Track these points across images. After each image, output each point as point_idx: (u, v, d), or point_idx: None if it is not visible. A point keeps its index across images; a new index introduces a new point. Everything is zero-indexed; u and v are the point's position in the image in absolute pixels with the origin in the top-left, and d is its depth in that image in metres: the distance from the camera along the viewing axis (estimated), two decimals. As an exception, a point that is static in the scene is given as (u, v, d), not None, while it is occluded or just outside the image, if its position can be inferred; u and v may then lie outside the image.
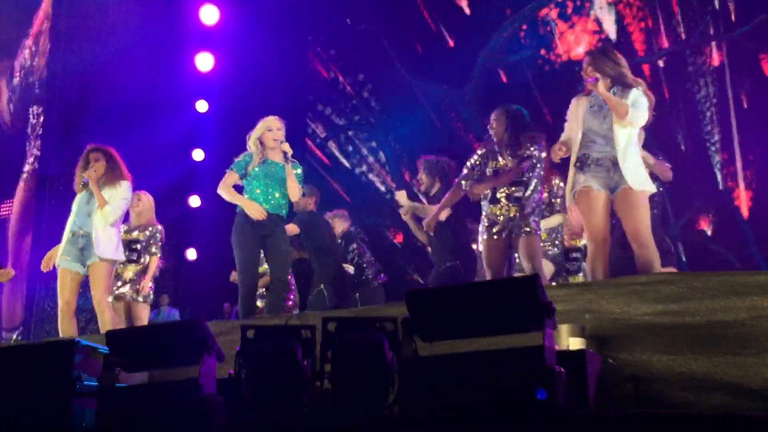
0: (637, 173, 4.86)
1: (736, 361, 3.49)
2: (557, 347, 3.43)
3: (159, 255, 7.33)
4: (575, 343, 3.48)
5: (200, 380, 3.34)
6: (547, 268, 6.02)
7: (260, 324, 3.60)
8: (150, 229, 7.33)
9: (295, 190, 5.82)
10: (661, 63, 10.03)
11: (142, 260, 7.25)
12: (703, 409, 3.41)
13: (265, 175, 5.83)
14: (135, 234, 7.30)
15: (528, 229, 5.62)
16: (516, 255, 5.86)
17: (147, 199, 7.44)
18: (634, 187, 4.79)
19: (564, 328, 3.53)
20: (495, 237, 5.69)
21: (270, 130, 5.87)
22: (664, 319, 3.71)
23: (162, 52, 10.64)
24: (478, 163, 5.81)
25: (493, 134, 5.84)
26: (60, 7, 10.68)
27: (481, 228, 5.81)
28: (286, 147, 5.83)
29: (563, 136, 5.16)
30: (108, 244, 6.08)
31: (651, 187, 4.96)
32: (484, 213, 5.80)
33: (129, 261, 7.13)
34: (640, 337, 3.66)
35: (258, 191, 5.81)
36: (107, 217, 6.06)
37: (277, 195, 5.83)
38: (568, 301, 3.89)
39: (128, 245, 7.14)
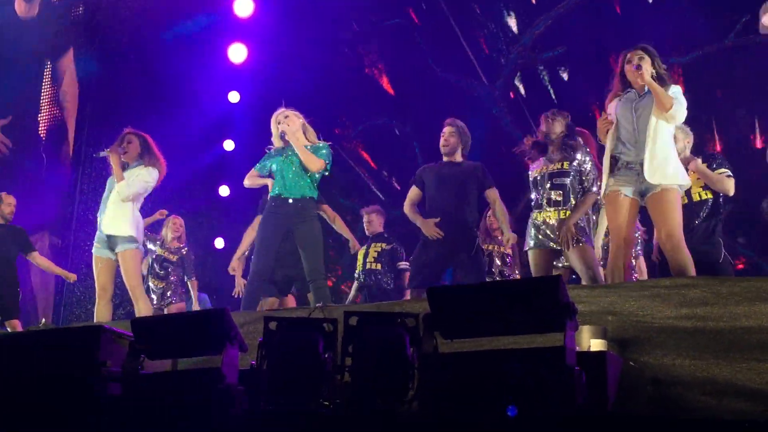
0: (666, 166, 4.79)
1: (759, 367, 3.46)
2: (578, 348, 3.43)
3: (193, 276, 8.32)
4: (596, 345, 3.46)
5: (222, 370, 3.38)
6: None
7: (283, 316, 3.62)
8: (183, 251, 8.21)
9: (311, 161, 5.83)
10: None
11: (170, 278, 8.03)
12: (724, 414, 3.38)
13: (282, 164, 5.90)
14: (167, 254, 8.14)
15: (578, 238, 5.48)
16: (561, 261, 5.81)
17: (182, 224, 8.28)
18: (663, 181, 4.75)
19: (586, 330, 3.51)
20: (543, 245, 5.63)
21: (279, 123, 5.96)
22: (687, 323, 3.69)
23: (195, 42, 10.70)
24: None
25: (546, 132, 5.76)
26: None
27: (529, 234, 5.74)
28: (283, 127, 5.90)
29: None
30: (119, 220, 6.08)
31: (684, 180, 4.88)
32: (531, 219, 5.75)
33: (157, 276, 8.01)
34: (663, 341, 3.64)
35: (281, 180, 5.87)
36: (120, 191, 6.09)
37: (298, 179, 5.87)
38: (590, 302, 3.88)
39: (161, 262, 8.03)
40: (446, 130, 6.29)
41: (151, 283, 8.10)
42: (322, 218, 6.59)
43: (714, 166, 5.88)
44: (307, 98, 9.92)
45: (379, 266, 7.48)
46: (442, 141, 6.26)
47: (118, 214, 6.10)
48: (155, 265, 8.14)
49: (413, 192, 6.28)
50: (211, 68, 10.91)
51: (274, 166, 5.95)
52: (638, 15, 10.28)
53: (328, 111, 10.50)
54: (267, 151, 6.10)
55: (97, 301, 6.19)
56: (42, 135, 10.80)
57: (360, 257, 7.64)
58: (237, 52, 11.04)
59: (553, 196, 5.58)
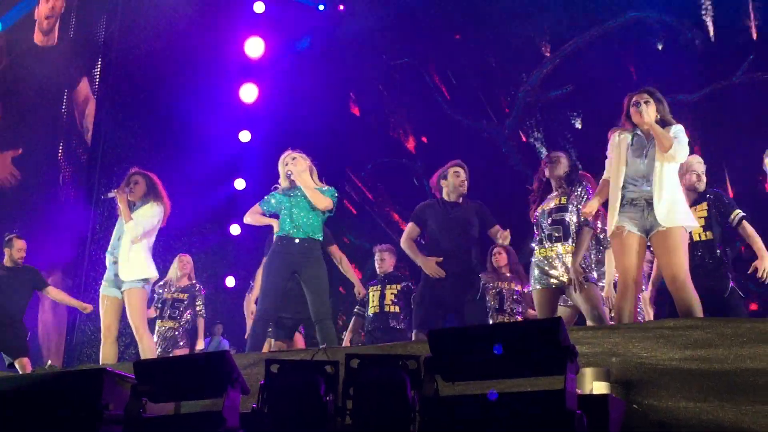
0: (674, 209, 4.77)
1: (764, 410, 3.42)
2: (581, 391, 3.41)
3: (203, 314, 8.23)
4: (599, 387, 3.44)
5: (224, 413, 3.38)
6: (565, 314, 5.94)
7: (285, 358, 3.63)
8: (194, 288, 8.18)
9: (318, 200, 5.90)
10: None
11: (181, 319, 7.99)
12: (730, 458, 3.35)
13: (289, 202, 5.94)
14: (178, 294, 8.09)
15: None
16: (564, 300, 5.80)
17: (190, 261, 8.25)
18: (671, 224, 4.73)
19: (588, 372, 3.50)
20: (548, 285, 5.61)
21: (286, 164, 6.02)
22: (692, 365, 3.66)
23: (207, 81, 10.84)
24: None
25: (549, 177, 5.79)
26: (113, 23, 10.97)
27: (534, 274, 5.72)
28: (290, 168, 5.97)
29: (605, 174, 5.12)
30: (132, 265, 6.14)
31: (691, 222, 4.87)
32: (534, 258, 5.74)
33: (170, 317, 7.98)
34: (667, 383, 3.61)
35: (287, 219, 5.90)
36: (129, 231, 6.15)
37: (305, 219, 5.91)
38: (594, 343, 3.86)
39: (172, 303, 8.00)
40: (462, 172, 6.23)
41: (162, 326, 8.07)
42: (329, 259, 6.61)
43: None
44: (317, 137, 10.07)
45: (397, 309, 7.42)
46: (457, 182, 6.18)
47: (132, 257, 6.17)
48: (166, 308, 8.12)
49: (412, 229, 6.23)
50: (223, 108, 11.04)
51: (280, 206, 5.98)
52: (646, 54, 10.34)
53: (337, 150, 10.58)
54: (273, 189, 6.14)
55: (102, 341, 6.21)
56: (62, 177, 10.93)
57: (375, 299, 7.53)
58: (248, 92, 11.18)
59: (553, 233, 5.60)
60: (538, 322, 3.28)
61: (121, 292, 6.17)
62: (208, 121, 10.65)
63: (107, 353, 6.13)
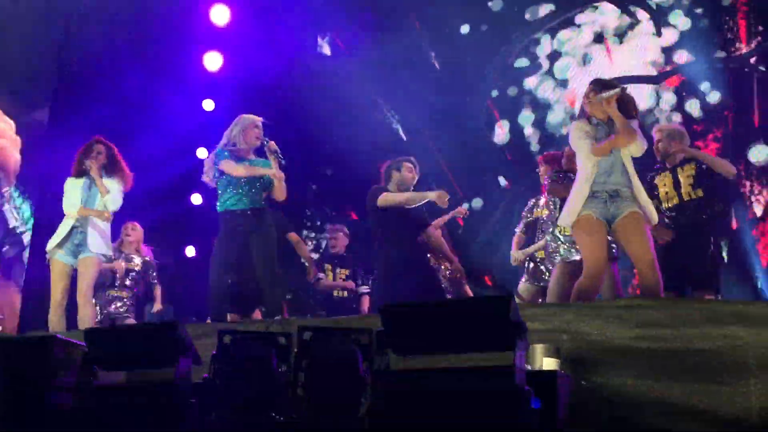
0: (649, 203, 4.94)
1: (710, 389, 3.49)
2: (531, 367, 3.45)
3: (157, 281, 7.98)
4: (549, 364, 3.48)
5: (175, 382, 3.37)
6: (527, 291, 6.02)
7: (238, 329, 3.62)
8: (147, 258, 7.89)
9: (281, 191, 5.86)
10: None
11: (137, 288, 7.78)
12: (676, 436, 3.41)
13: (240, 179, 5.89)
14: (132, 263, 7.80)
15: None
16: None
17: (140, 229, 7.98)
18: (639, 208, 4.82)
19: (539, 348, 3.53)
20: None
21: (257, 127, 5.94)
22: (641, 344, 3.72)
23: (170, 49, 10.66)
24: None
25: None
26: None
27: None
28: (273, 146, 5.90)
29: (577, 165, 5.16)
30: (102, 239, 6.19)
31: (653, 215, 4.98)
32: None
33: (123, 287, 7.66)
34: (617, 361, 3.66)
35: (239, 188, 5.84)
36: (109, 205, 6.21)
37: (253, 190, 5.87)
38: (546, 321, 3.90)
39: (126, 273, 7.71)
40: (414, 169, 6.25)
41: (113, 294, 7.82)
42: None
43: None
44: (281, 106, 9.99)
45: (345, 294, 7.48)
46: (409, 177, 6.18)
47: (104, 231, 6.23)
48: (119, 277, 7.92)
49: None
50: (186, 76, 10.87)
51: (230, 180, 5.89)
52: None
53: (300, 121, 10.50)
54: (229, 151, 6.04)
55: (52, 310, 6.06)
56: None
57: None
58: (212, 60, 11.02)
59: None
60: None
61: (77, 259, 6.11)
62: (171, 89, 10.48)
63: (56, 323, 6.00)
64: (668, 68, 10.13)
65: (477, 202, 10.38)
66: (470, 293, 6.88)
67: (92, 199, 6.27)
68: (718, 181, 5.96)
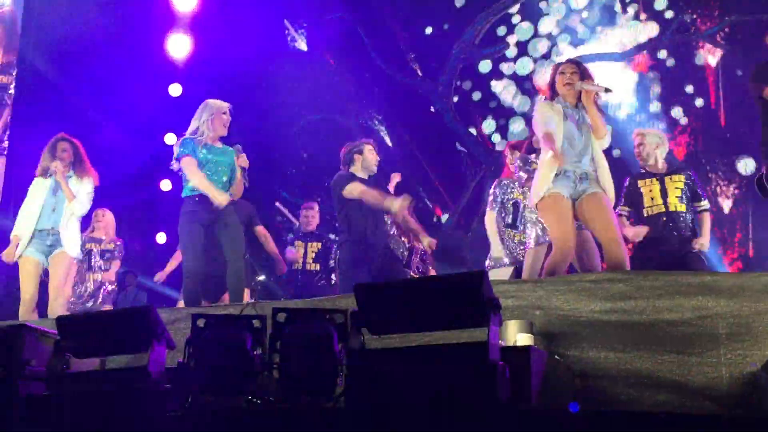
0: (611, 187, 4.96)
1: (679, 360, 3.55)
2: (504, 343, 3.48)
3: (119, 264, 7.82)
4: (522, 339, 3.52)
5: (149, 368, 3.36)
6: (505, 273, 6.06)
7: (211, 313, 3.61)
8: (118, 243, 7.76)
9: (241, 187, 5.91)
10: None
11: (111, 270, 7.66)
12: (647, 406, 3.47)
13: (213, 158, 5.83)
14: (104, 246, 7.67)
15: None
16: None
17: (111, 215, 7.82)
18: (602, 188, 4.88)
19: (512, 324, 3.57)
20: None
21: (225, 113, 5.88)
22: (611, 317, 3.77)
23: (136, 33, 10.52)
24: None
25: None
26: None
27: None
28: (244, 161, 5.97)
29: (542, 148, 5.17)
30: (74, 240, 6.17)
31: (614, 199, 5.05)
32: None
33: (99, 269, 7.54)
34: (588, 335, 3.71)
35: (207, 174, 5.79)
36: (76, 211, 6.16)
37: (224, 178, 5.85)
38: (519, 297, 3.93)
39: (101, 254, 7.59)
40: (374, 151, 6.28)
41: (93, 278, 7.76)
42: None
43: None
44: (250, 90, 9.92)
45: (317, 266, 7.51)
46: (373, 160, 6.19)
47: (75, 232, 6.21)
48: (95, 259, 7.84)
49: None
50: (152, 60, 10.74)
51: (203, 152, 5.82)
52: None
53: (269, 100, 10.45)
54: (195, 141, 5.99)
55: (23, 309, 5.96)
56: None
57: (299, 256, 7.64)
58: (179, 44, 10.89)
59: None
60: (461, 275, 3.32)
61: (48, 259, 6.07)
62: (136, 75, 10.36)
63: (28, 319, 5.93)
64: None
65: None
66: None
67: (59, 203, 6.16)
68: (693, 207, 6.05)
